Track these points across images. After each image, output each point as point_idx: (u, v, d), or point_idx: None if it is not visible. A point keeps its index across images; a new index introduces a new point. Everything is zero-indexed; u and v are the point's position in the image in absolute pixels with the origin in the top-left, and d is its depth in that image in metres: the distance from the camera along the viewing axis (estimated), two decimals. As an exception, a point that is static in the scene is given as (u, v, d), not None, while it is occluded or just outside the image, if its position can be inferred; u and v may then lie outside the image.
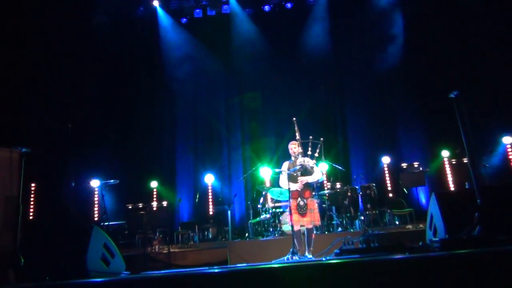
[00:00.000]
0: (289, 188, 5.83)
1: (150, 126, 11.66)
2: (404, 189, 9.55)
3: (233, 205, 9.63)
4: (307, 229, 5.82)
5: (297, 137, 6.00)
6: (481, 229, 4.29)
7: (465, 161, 9.25)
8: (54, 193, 9.60)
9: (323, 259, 5.52)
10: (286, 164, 6.14)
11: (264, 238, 7.93)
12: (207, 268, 5.78)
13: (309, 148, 6.02)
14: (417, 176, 9.27)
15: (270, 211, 8.21)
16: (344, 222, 8.40)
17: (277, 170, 6.23)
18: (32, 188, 10.24)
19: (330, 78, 11.44)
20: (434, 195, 5.17)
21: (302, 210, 5.76)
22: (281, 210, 8.20)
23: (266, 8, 11.78)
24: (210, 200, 10.92)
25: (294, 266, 3.35)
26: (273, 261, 6.02)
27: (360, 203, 8.71)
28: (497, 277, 2.77)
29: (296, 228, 5.79)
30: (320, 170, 6.38)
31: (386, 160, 10.54)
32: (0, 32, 9.12)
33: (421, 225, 7.66)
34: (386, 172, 10.52)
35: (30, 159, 5.29)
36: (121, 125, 11.17)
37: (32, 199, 10.18)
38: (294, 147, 6.07)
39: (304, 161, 5.91)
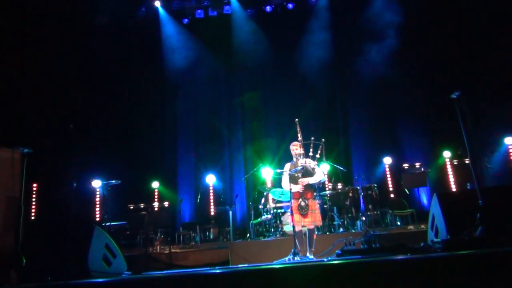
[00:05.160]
0: (290, 189, 5.83)
1: (151, 126, 11.68)
2: (406, 190, 9.54)
3: (235, 205, 9.62)
4: (308, 229, 5.81)
5: (299, 138, 6.00)
6: (483, 230, 4.28)
7: (466, 162, 9.23)
8: (55, 194, 9.60)
9: (325, 259, 5.52)
10: (287, 165, 6.15)
11: (266, 239, 7.93)
12: (209, 268, 5.78)
13: (311, 149, 6.02)
14: (419, 177, 9.26)
15: (272, 212, 8.21)
16: (346, 222, 8.40)
17: (278, 170, 6.24)
18: (34, 189, 10.25)
19: (331, 79, 11.44)
20: (436, 195, 5.15)
21: (303, 211, 5.76)
22: (282, 210, 8.21)
23: (268, 8, 11.78)
24: (212, 200, 10.92)
25: (295, 267, 3.34)
26: (274, 262, 6.02)
27: (362, 204, 8.70)
28: (499, 278, 2.77)
29: (297, 228, 5.79)
30: (322, 171, 6.37)
31: (387, 160, 10.53)
32: (3, 33, 9.14)
33: (422, 226, 7.64)
34: (388, 172, 10.51)
35: (32, 159, 5.31)
36: (122, 125, 11.19)
37: (33, 199, 10.20)
38: (296, 148, 6.07)
39: (305, 162, 5.90)
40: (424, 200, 10.07)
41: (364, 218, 8.45)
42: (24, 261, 4.60)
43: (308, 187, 5.87)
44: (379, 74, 10.79)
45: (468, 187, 8.09)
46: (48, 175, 9.90)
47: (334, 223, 8.34)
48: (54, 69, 10.22)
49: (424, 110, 10.71)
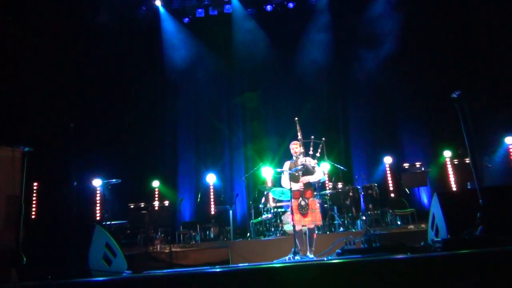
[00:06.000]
0: (290, 188, 5.84)
1: (152, 125, 11.68)
2: (406, 189, 9.54)
3: (235, 204, 9.63)
4: (308, 229, 5.82)
5: (299, 137, 6.01)
6: (483, 229, 4.28)
7: (467, 161, 9.23)
8: (56, 193, 9.61)
9: (325, 259, 5.52)
10: (287, 164, 6.15)
11: (266, 238, 7.94)
12: (209, 267, 5.79)
13: (311, 148, 6.02)
14: (419, 176, 9.26)
15: (272, 211, 8.22)
16: (346, 222, 8.41)
17: (278, 169, 6.24)
18: (34, 188, 10.26)
19: (332, 78, 11.44)
20: (436, 195, 5.15)
21: (303, 210, 5.76)
22: (282, 210, 8.22)
23: (268, 7, 11.78)
24: (212, 199, 10.92)
25: (295, 266, 3.35)
26: (274, 261, 6.02)
27: (362, 203, 8.70)
28: (499, 277, 2.77)
29: (297, 228, 5.80)
30: (322, 170, 6.38)
31: (388, 160, 10.52)
32: (3, 31, 9.14)
33: (423, 225, 7.65)
34: (388, 172, 10.50)
35: (33, 158, 5.30)
36: (123, 124, 11.18)
37: (34, 198, 10.20)
38: (295, 147, 6.08)
39: (305, 161, 5.91)
40: (425, 199, 10.07)
41: (364, 218, 8.46)
42: (25, 260, 4.60)
43: (308, 186, 5.88)
44: (379, 73, 10.80)
45: (469, 187, 8.07)
46: (48, 174, 9.90)
47: (335, 222, 8.35)
48: (55, 67, 10.22)
49: (424, 110, 10.71)
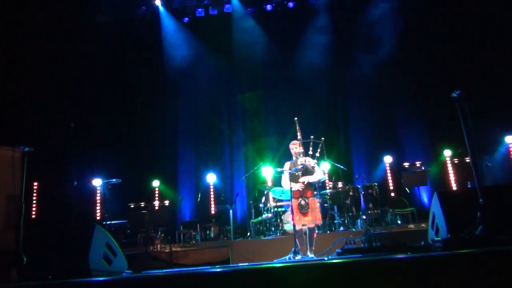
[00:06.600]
0: (290, 188, 5.84)
1: (152, 125, 11.67)
2: (406, 189, 9.54)
3: (235, 204, 9.63)
4: (308, 228, 5.82)
5: (299, 136, 6.01)
6: (483, 229, 4.27)
7: (467, 161, 9.22)
8: (56, 192, 9.61)
9: (325, 258, 5.52)
10: (287, 164, 6.16)
11: (266, 238, 7.94)
12: (209, 267, 5.80)
13: (310, 148, 6.02)
14: (419, 176, 9.26)
15: (272, 211, 8.22)
16: (346, 221, 8.41)
17: (278, 169, 6.25)
18: (35, 187, 10.25)
19: (332, 78, 11.43)
20: (436, 194, 5.15)
21: (303, 210, 5.76)
22: (283, 209, 8.21)
23: (268, 7, 11.76)
24: (212, 199, 10.91)
25: (296, 266, 3.35)
26: (275, 261, 6.02)
27: (362, 203, 8.69)
28: (499, 277, 2.77)
29: (297, 227, 5.80)
30: (322, 170, 6.38)
31: (388, 159, 10.52)
32: (3, 31, 9.14)
33: (423, 225, 7.64)
34: (388, 171, 10.50)
35: (33, 158, 5.30)
36: (123, 124, 11.19)
37: (34, 198, 10.20)
38: (295, 147, 6.08)
39: (305, 161, 5.91)
40: (425, 199, 10.06)
41: (364, 217, 8.45)
42: (25, 259, 4.61)
43: (308, 185, 5.88)
44: (379, 72, 10.79)
45: (469, 186, 8.07)
46: (48, 174, 9.90)
47: (335, 221, 8.35)
48: (55, 67, 10.22)
49: (424, 109, 10.69)
